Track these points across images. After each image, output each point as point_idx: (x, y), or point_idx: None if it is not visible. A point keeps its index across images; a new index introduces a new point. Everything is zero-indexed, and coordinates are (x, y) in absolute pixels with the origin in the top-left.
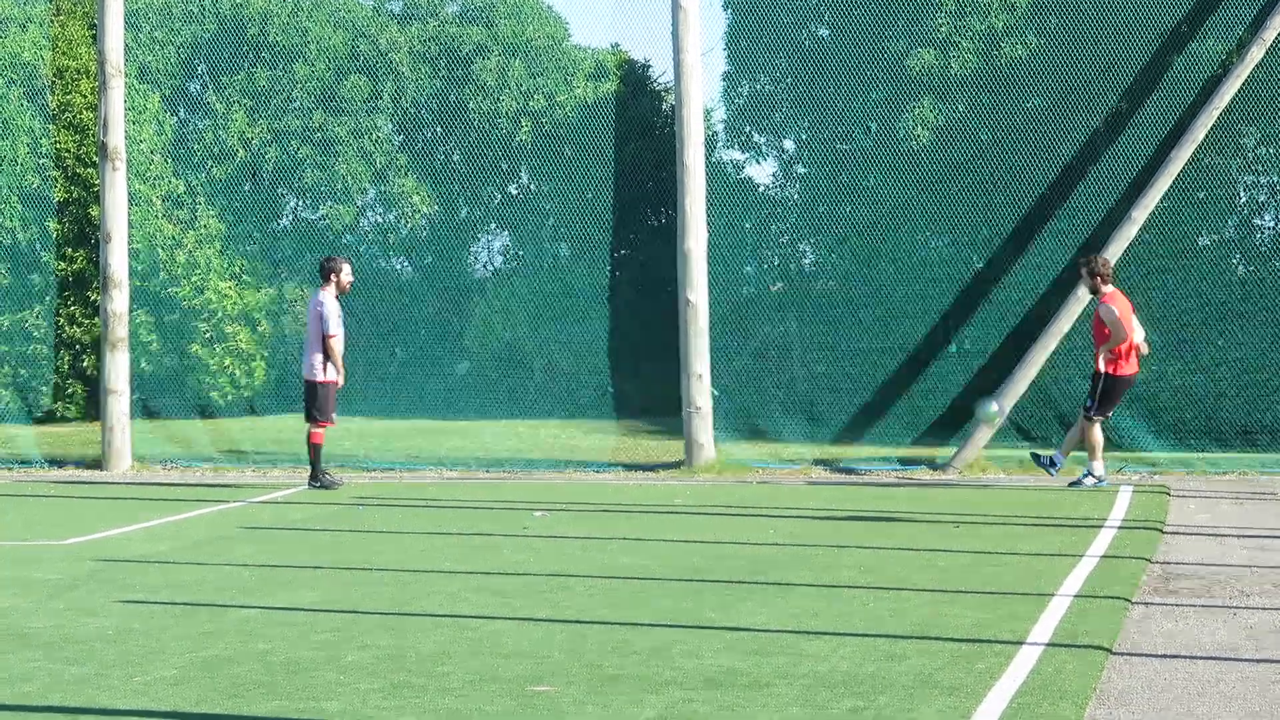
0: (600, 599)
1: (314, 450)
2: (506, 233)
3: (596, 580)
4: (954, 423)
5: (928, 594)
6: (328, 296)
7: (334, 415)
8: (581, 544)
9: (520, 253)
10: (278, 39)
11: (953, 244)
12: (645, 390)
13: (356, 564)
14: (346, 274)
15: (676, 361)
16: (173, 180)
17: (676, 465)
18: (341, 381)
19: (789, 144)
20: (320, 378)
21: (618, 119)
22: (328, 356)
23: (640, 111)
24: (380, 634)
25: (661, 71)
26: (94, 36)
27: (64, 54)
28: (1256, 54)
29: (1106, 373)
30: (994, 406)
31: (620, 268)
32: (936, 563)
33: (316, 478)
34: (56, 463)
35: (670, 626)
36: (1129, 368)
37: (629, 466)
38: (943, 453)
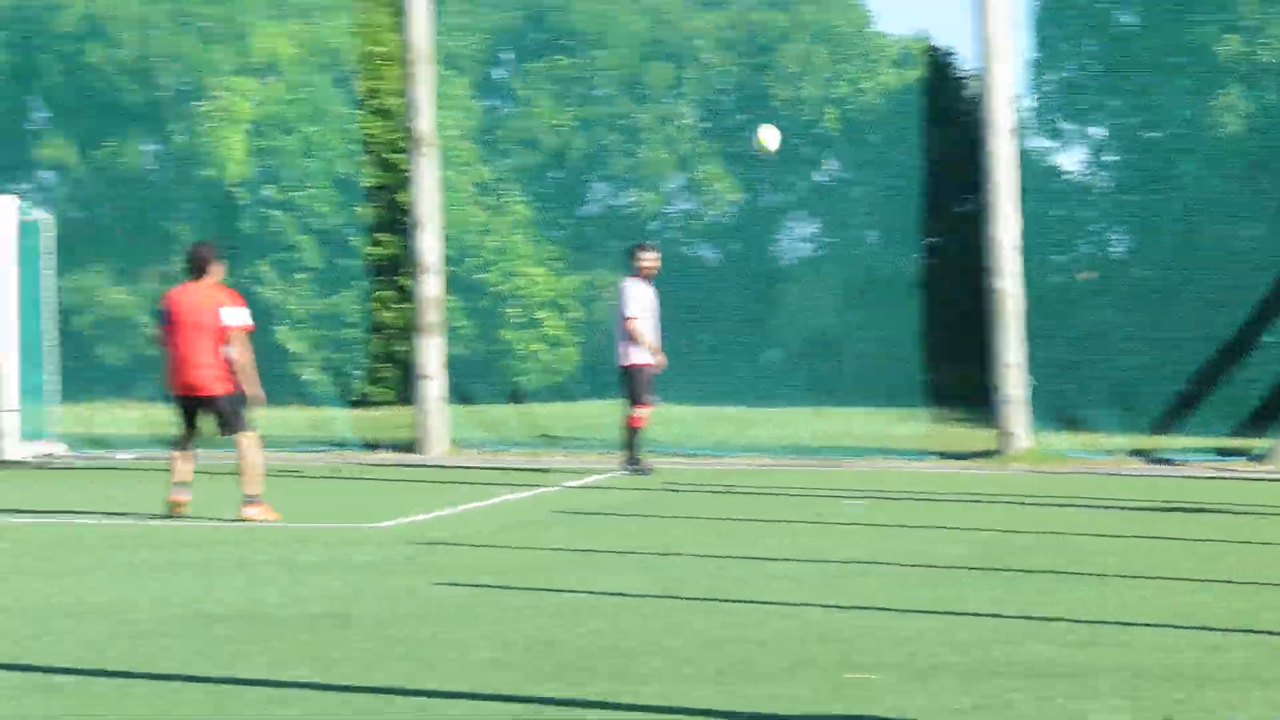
0: (914, 588)
1: (631, 434)
2: (815, 220)
3: (910, 569)
4: (1273, 414)
5: (1248, 586)
6: (630, 281)
7: (650, 398)
8: (894, 532)
9: (828, 239)
10: (581, 26)
11: (1269, 232)
12: (957, 378)
13: (669, 549)
14: (645, 259)
15: (989, 349)
16: (481, 166)
17: (989, 454)
18: (654, 361)
19: (1096, 131)
20: (626, 361)
21: (923, 106)
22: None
23: (946, 99)
24: (694, 619)
25: (967, 59)
26: (400, 23)
27: (371, 40)
28: None
29: None
30: (766, 140)
31: (930, 254)
32: (1258, 555)
33: (632, 462)
34: (371, 446)
35: (986, 616)
36: None
37: (941, 455)
38: (1261, 444)
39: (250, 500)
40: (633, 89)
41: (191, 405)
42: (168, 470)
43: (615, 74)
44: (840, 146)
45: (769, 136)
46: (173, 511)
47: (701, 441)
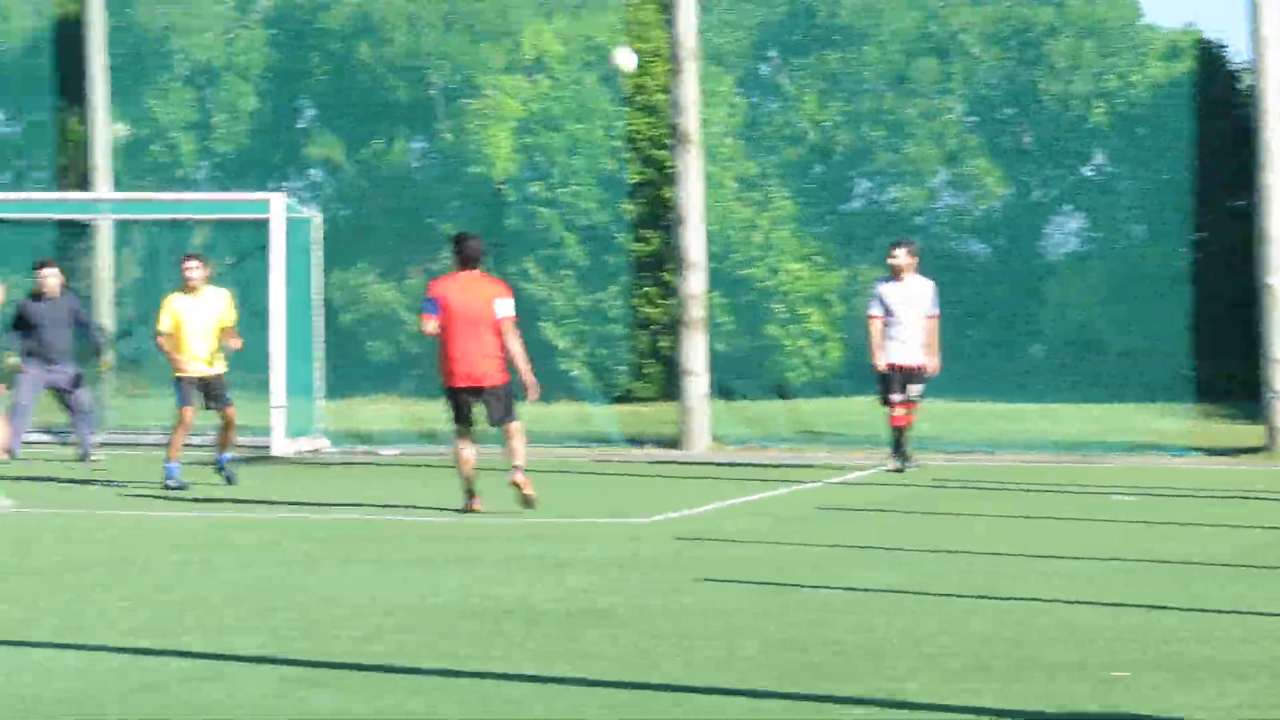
0: (1180, 584)
1: (892, 431)
2: (1082, 214)
3: (1176, 565)
4: None
5: None
6: (881, 280)
7: (895, 396)
8: (1158, 529)
9: (1095, 234)
10: (849, 21)
11: None
12: (1224, 373)
13: (933, 546)
14: (891, 257)
15: (1257, 345)
16: (745, 162)
17: (1256, 450)
18: (879, 363)
19: None
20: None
21: (1193, 99)
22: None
23: (1216, 90)
24: (957, 617)
25: (1238, 50)
26: (667, 20)
27: (638, 37)
28: None
29: None
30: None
31: (1199, 249)
32: None
33: (895, 458)
34: (635, 442)
35: (1252, 614)
36: None
37: (1207, 451)
38: None
39: (520, 468)
40: (899, 84)
41: (467, 396)
42: (456, 471)
43: (882, 69)
44: (1108, 140)
45: (624, 58)
46: (469, 511)
47: (968, 437)
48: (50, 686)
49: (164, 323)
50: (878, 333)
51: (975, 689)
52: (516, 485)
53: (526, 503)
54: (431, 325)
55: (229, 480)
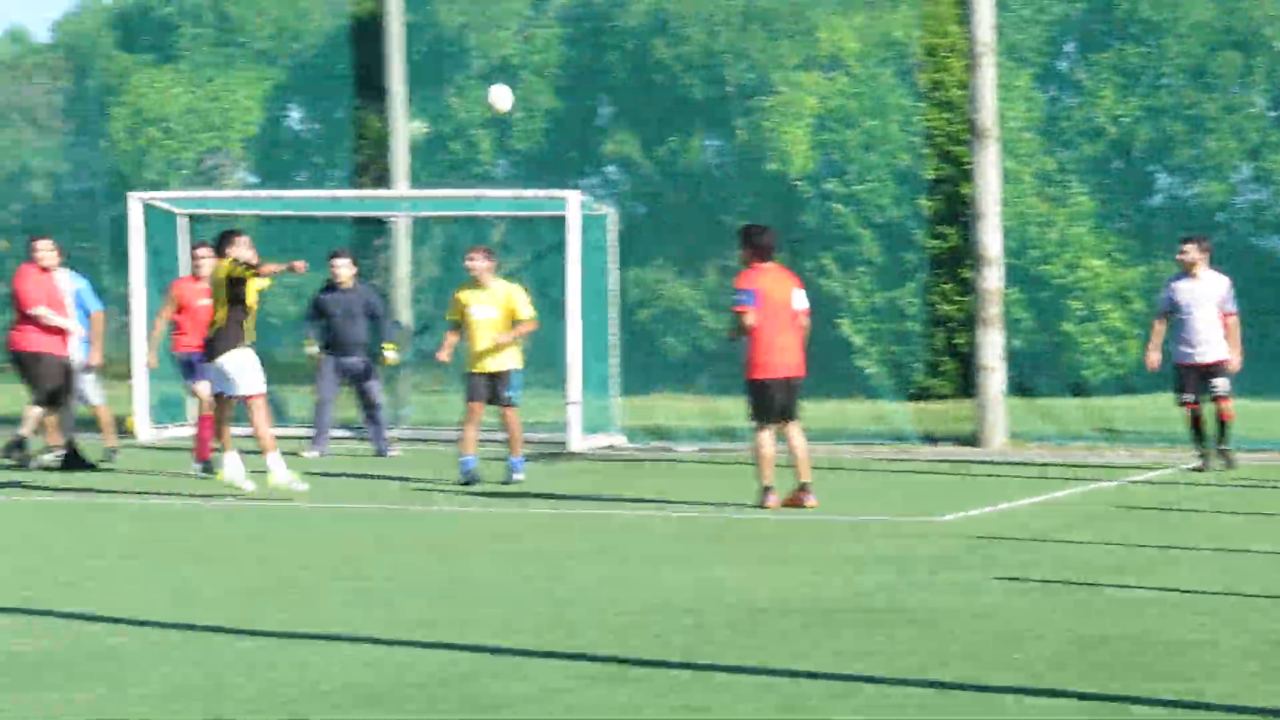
0: None
1: (1191, 430)
2: None
3: None
4: None
5: None
6: (1173, 277)
7: (1185, 396)
8: None
9: None
10: (1149, 14)
11: None
12: None
13: (1230, 545)
14: (1181, 252)
15: None
16: (1043, 158)
17: None
18: (1154, 359)
19: None
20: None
21: None
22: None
23: None
24: (1259, 617)
25: None
26: (964, 15)
27: (933, 32)
28: None
29: None
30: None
31: None
32: None
33: (1199, 456)
34: (931, 439)
35: None
36: None
37: None
38: None
39: (808, 487)
40: (1199, 78)
41: (782, 390)
42: (755, 466)
43: (1182, 62)
44: None
45: (498, 97)
46: (765, 507)
47: (1271, 436)
48: (344, 679)
49: (451, 315)
50: (1160, 329)
51: (1276, 691)
52: (803, 493)
53: (798, 506)
54: (752, 317)
55: (508, 479)
